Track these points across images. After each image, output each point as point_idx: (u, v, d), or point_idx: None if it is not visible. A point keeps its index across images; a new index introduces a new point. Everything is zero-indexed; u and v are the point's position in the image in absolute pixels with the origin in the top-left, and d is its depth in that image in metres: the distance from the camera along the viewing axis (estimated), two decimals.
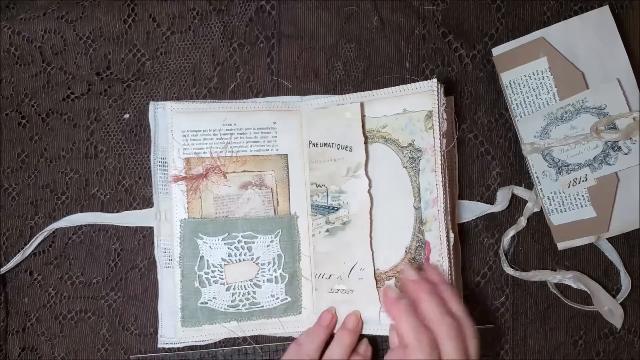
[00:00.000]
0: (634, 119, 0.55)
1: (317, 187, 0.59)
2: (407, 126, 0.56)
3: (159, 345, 0.59)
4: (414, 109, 0.56)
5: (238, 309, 0.58)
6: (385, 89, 0.57)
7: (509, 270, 0.60)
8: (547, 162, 0.58)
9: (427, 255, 0.55)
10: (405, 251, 0.56)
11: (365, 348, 0.56)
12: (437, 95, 0.55)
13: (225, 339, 0.59)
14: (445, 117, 0.55)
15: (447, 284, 0.52)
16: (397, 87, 0.56)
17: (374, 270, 0.56)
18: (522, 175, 0.61)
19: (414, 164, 0.56)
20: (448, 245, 0.54)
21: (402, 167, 0.56)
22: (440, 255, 0.54)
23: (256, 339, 0.59)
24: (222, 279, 0.58)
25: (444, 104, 0.55)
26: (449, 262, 0.54)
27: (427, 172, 0.55)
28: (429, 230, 0.55)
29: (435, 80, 0.55)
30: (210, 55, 0.61)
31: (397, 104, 0.56)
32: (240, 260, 0.58)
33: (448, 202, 0.55)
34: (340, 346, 0.54)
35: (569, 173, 0.58)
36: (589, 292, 0.60)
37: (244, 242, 0.58)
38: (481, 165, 0.61)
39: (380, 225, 0.57)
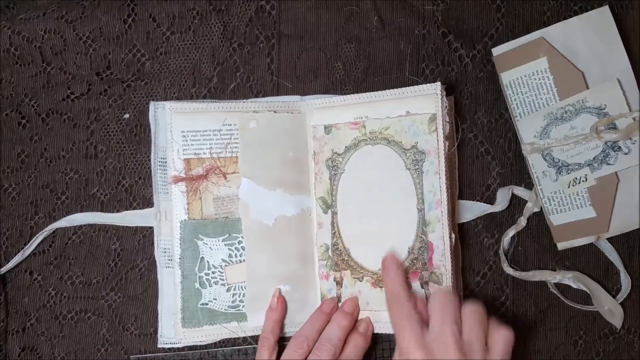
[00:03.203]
0: (634, 119, 0.55)
1: None
2: (410, 128, 0.56)
3: (159, 345, 0.59)
4: (417, 111, 0.56)
5: (239, 310, 0.58)
6: (388, 91, 0.57)
7: (509, 270, 0.60)
8: (547, 162, 0.58)
9: (430, 255, 0.55)
10: (408, 252, 0.56)
11: (365, 326, 0.56)
12: (441, 99, 0.55)
13: (225, 339, 0.59)
14: (447, 119, 0.56)
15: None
16: (400, 89, 0.57)
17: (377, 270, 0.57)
18: (522, 175, 0.61)
19: (417, 166, 0.56)
20: (450, 246, 0.55)
21: (406, 168, 0.56)
22: (442, 256, 0.54)
23: (256, 339, 0.59)
24: (222, 280, 0.58)
25: (447, 106, 0.55)
26: (451, 263, 0.54)
27: (430, 175, 0.55)
28: (432, 231, 0.55)
29: (439, 83, 0.55)
30: (210, 55, 0.61)
31: (400, 106, 0.57)
32: (240, 261, 0.58)
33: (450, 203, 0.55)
34: (337, 327, 0.55)
35: (569, 173, 0.58)
36: (589, 292, 0.60)
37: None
38: (481, 165, 0.61)
39: (382, 226, 0.57)
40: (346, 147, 0.58)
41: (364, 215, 0.58)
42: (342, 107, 0.59)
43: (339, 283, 0.58)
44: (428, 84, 0.55)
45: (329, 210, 0.59)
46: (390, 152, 0.57)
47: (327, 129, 0.59)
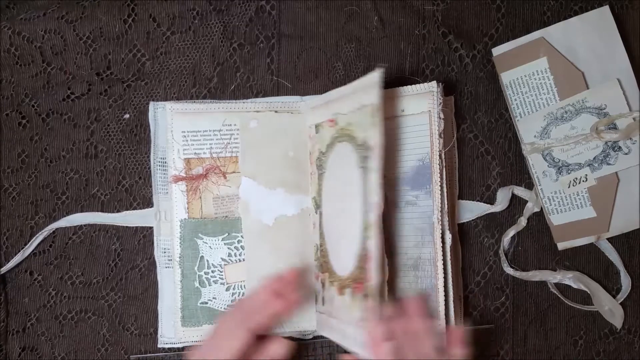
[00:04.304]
0: (634, 119, 0.55)
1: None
2: (362, 122, 0.50)
3: (159, 345, 0.59)
4: (366, 102, 0.50)
5: None
6: (352, 83, 0.53)
7: (509, 270, 0.60)
8: (547, 162, 0.58)
9: (369, 265, 0.48)
10: (356, 258, 0.50)
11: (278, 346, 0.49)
12: (378, 88, 0.49)
13: None
14: (442, 116, 0.54)
15: (421, 318, 0.49)
16: (358, 80, 0.52)
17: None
18: (522, 175, 0.61)
19: (364, 164, 0.50)
20: (381, 255, 0.48)
21: (359, 167, 0.51)
22: (375, 267, 0.47)
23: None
24: (222, 279, 0.58)
25: (440, 103, 0.53)
26: (379, 275, 0.48)
27: (372, 172, 0.49)
28: (368, 237, 0.49)
29: (379, 71, 0.49)
30: (210, 55, 0.61)
31: (356, 99, 0.52)
32: (240, 260, 0.58)
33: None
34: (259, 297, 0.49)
35: (569, 173, 0.58)
36: (589, 292, 0.60)
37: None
38: (481, 165, 0.61)
39: (337, 229, 0.54)
40: (327, 145, 0.56)
41: (336, 216, 0.55)
42: (325, 105, 0.57)
43: (323, 285, 0.56)
44: (371, 74, 0.50)
45: (318, 211, 0.58)
46: (350, 149, 0.52)
47: (317, 128, 0.58)
